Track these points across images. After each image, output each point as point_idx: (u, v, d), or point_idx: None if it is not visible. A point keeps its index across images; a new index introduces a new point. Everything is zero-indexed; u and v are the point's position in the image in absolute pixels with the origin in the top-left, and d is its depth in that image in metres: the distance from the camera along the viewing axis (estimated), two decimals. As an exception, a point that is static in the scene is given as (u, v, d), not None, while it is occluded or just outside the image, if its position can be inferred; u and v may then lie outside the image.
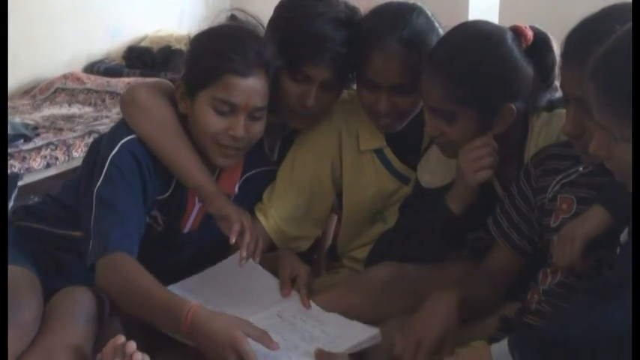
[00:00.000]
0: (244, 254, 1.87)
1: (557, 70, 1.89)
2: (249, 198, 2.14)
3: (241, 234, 1.89)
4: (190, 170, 1.95)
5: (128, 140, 1.92)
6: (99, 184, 1.90)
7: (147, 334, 1.81)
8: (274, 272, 2.03)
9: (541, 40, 1.90)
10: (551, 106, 1.95)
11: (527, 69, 1.87)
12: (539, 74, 1.89)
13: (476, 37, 1.87)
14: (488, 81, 1.82)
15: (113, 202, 1.87)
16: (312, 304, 1.96)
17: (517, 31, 1.89)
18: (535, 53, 1.88)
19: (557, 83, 1.90)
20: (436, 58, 1.87)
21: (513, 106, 1.85)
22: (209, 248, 2.00)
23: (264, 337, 1.69)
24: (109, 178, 1.89)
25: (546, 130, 1.94)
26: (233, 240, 1.87)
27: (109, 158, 1.90)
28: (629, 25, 1.40)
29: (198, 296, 1.90)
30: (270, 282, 2.01)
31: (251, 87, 1.91)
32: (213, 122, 1.91)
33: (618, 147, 1.40)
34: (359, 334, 1.82)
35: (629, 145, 1.38)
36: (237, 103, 1.90)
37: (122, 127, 1.98)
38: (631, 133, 1.36)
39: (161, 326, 1.77)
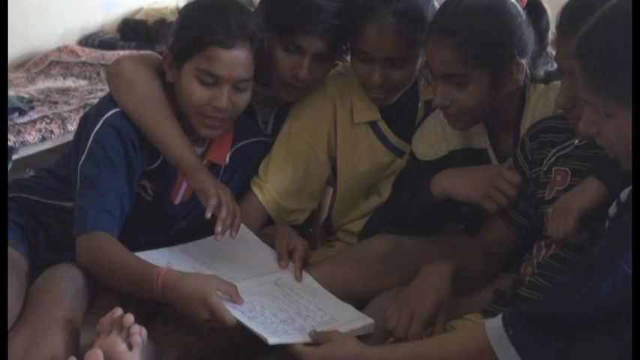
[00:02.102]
0: (219, 229, 1.87)
1: (550, 36, 1.90)
2: (241, 168, 2.14)
3: (219, 208, 1.89)
4: (171, 143, 1.94)
5: (112, 114, 1.93)
6: (82, 160, 1.92)
7: (142, 307, 1.83)
8: (272, 246, 2.04)
9: (535, 2, 1.91)
10: (548, 78, 1.96)
11: (530, 28, 1.87)
12: (535, 36, 1.89)
13: None
14: (497, 37, 1.82)
15: (94, 179, 1.90)
16: (309, 277, 1.96)
17: None
18: (530, 15, 1.88)
19: (549, 50, 1.91)
20: (442, 23, 1.86)
21: (522, 61, 1.85)
22: (201, 221, 1.99)
23: (232, 291, 1.75)
24: (92, 154, 1.91)
25: (543, 102, 1.94)
26: (209, 214, 1.88)
27: (93, 134, 1.92)
28: (613, 1, 1.41)
29: (197, 260, 1.92)
30: (268, 254, 2.02)
31: (234, 59, 1.90)
32: (197, 93, 1.92)
33: (606, 124, 1.41)
34: (354, 320, 1.82)
35: (614, 121, 1.39)
36: (220, 74, 1.90)
37: (107, 101, 1.99)
38: (616, 110, 1.38)
39: (138, 294, 1.81)
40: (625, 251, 1.33)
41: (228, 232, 1.90)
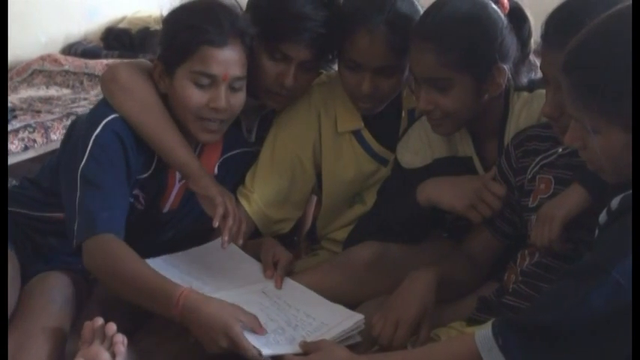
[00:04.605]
0: (226, 238, 1.86)
1: (532, 44, 1.92)
2: (229, 179, 2.13)
3: (224, 217, 1.87)
4: (175, 149, 1.93)
5: (111, 119, 1.91)
6: (83, 163, 1.87)
7: (125, 318, 1.81)
8: (257, 258, 2.03)
9: (516, 10, 1.92)
10: (532, 86, 1.97)
11: (512, 34, 1.88)
12: (518, 43, 1.90)
13: (460, 3, 1.87)
14: (478, 42, 1.83)
15: (99, 182, 1.86)
16: (295, 283, 1.96)
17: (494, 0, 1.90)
18: (512, 22, 1.89)
19: (532, 58, 1.92)
20: (424, 28, 1.87)
21: (504, 67, 1.85)
22: (190, 229, 1.98)
23: (254, 323, 1.70)
24: (94, 157, 1.87)
25: (527, 110, 1.95)
26: (216, 224, 1.86)
27: (93, 137, 1.88)
28: (602, 17, 1.41)
29: (183, 270, 1.90)
30: (253, 265, 2.01)
31: (228, 57, 1.89)
32: (194, 96, 1.90)
33: (592, 139, 1.42)
34: (343, 320, 1.81)
35: (601, 137, 1.40)
36: (216, 74, 1.88)
37: (103, 107, 1.96)
38: (603, 126, 1.39)
39: (150, 309, 1.77)
40: (617, 261, 1.33)
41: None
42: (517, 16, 1.91)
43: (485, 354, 1.44)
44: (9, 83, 4.23)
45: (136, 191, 1.98)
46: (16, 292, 1.84)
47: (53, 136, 3.49)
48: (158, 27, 2.06)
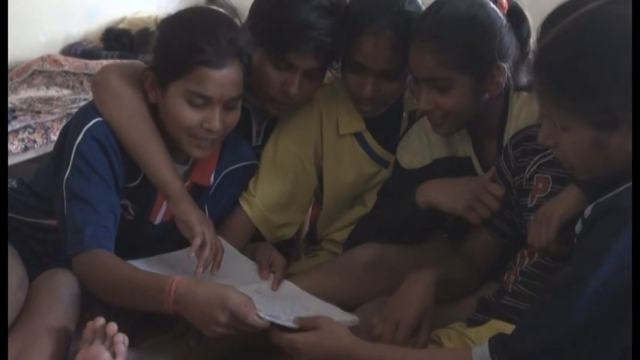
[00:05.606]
0: (200, 269, 1.81)
1: (531, 44, 1.92)
2: (230, 191, 2.12)
3: (202, 247, 1.83)
4: (156, 164, 1.88)
5: (93, 125, 1.86)
6: (67, 174, 1.85)
7: (126, 318, 1.81)
8: (252, 259, 2.03)
9: (515, 9, 1.93)
10: (532, 86, 1.97)
11: (510, 33, 1.89)
12: (517, 42, 1.91)
13: (459, 3, 1.88)
14: (477, 41, 1.84)
15: (84, 194, 1.83)
16: (291, 285, 1.96)
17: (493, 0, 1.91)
18: (511, 22, 1.90)
19: (532, 58, 1.93)
20: (423, 28, 1.88)
21: (504, 65, 1.86)
22: (185, 242, 1.91)
23: (248, 303, 1.67)
24: (77, 168, 1.84)
25: (527, 110, 1.96)
26: (192, 254, 1.82)
27: (75, 147, 1.85)
28: (572, 17, 1.43)
29: (177, 269, 1.88)
30: (248, 265, 2.01)
31: (225, 78, 1.83)
32: (187, 115, 1.85)
33: (562, 136, 1.43)
34: (338, 318, 1.80)
35: (569, 134, 1.41)
36: (211, 95, 1.83)
37: (88, 110, 1.91)
38: (571, 123, 1.40)
39: (146, 308, 1.75)
40: (594, 270, 1.34)
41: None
42: (516, 16, 1.92)
43: None
44: (9, 84, 4.23)
45: (124, 201, 1.94)
46: (25, 291, 1.82)
47: (53, 137, 3.49)
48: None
